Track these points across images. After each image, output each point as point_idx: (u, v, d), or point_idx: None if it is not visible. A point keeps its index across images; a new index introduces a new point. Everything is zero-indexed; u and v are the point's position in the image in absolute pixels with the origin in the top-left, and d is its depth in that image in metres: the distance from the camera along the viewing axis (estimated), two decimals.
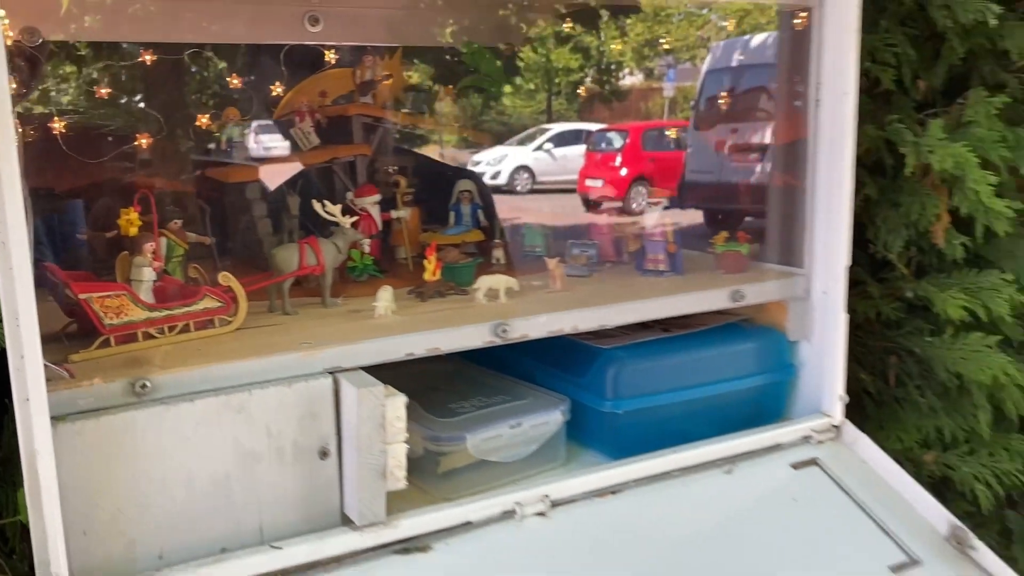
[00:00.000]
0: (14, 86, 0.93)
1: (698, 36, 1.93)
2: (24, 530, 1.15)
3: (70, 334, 1.19)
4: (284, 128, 1.66)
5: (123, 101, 1.64)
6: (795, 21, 1.46)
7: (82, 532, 1.00)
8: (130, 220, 1.22)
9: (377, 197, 1.55)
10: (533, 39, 1.96)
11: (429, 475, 1.31)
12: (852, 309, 1.88)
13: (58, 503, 0.94)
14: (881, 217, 1.78)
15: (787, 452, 1.43)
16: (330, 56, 1.66)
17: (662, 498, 1.31)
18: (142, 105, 1.65)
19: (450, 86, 1.88)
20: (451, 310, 1.36)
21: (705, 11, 1.90)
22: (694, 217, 1.96)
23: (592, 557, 1.21)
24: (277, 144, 1.68)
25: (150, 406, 1.04)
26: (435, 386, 1.46)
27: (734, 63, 2.09)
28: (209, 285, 1.26)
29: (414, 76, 1.85)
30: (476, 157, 2.12)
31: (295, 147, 1.62)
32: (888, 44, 1.72)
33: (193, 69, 1.71)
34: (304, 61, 1.66)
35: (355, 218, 1.44)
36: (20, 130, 1.21)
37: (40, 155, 1.37)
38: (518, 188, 2.25)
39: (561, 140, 2.27)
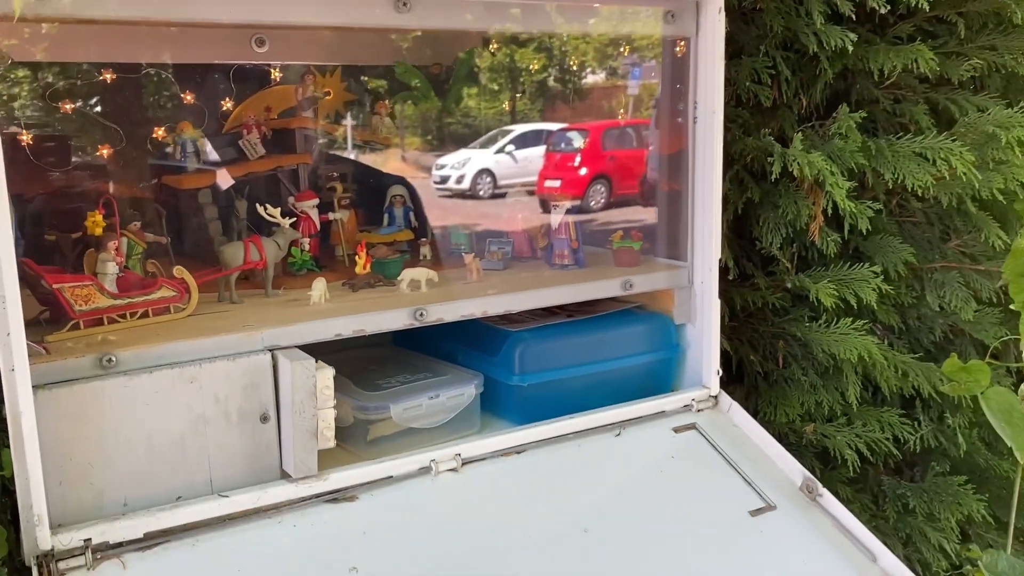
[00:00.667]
0: None
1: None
2: (5, 487, 1.34)
3: (43, 320, 1.38)
4: (233, 139, 1.84)
5: (85, 115, 1.81)
6: (676, 49, 1.70)
7: (58, 482, 1.19)
8: (95, 221, 1.41)
9: (315, 201, 1.74)
10: (462, 58, 2.14)
11: (360, 442, 1.52)
12: (744, 299, 2.14)
13: (39, 457, 1.14)
14: (763, 218, 2.04)
15: (670, 418, 1.67)
16: (275, 74, 1.85)
17: (559, 456, 1.53)
18: (102, 119, 1.82)
19: (384, 101, 2.08)
20: (378, 298, 1.57)
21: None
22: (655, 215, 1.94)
23: (497, 507, 1.43)
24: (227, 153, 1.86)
25: (115, 377, 1.23)
26: (368, 367, 1.68)
27: None
28: (165, 278, 1.45)
29: (351, 93, 2.04)
30: (440, 161, 2.17)
31: (243, 156, 1.81)
32: (767, 67, 1.97)
33: (150, 86, 1.89)
34: (251, 79, 1.85)
35: (294, 219, 1.64)
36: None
37: (11, 163, 1.54)
38: (480, 193, 2.21)
39: (523, 142, 2.20)
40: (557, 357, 1.65)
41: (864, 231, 1.93)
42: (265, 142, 1.80)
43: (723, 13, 1.60)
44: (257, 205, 1.58)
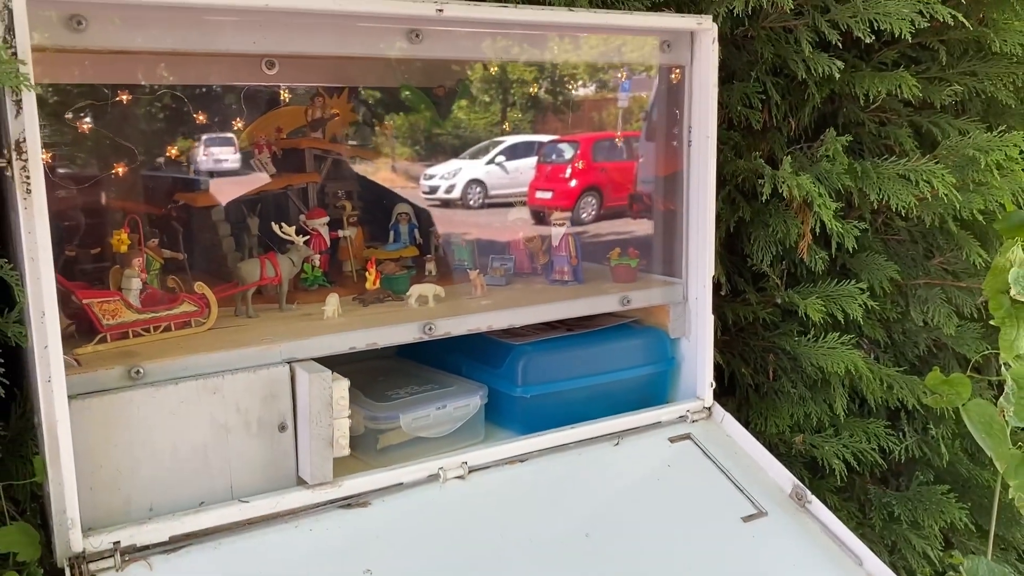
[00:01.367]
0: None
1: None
2: (33, 493, 1.40)
3: (69, 334, 1.44)
4: (245, 158, 1.91)
5: (101, 134, 1.87)
6: (671, 76, 1.78)
7: (89, 488, 1.26)
8: (121, 239, 1.47)
9: (326, 219, 1.81)
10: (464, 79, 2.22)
11: (370, 451, 1.59)
12: (736, 314, 2.22)
13: (72, 462, 1.20)
14: (754, 236, 2.12)
15: (666, 428, 1.74)
16: (285, 96, 1.93)
17: (560, 465, 1.60)
18: (119, 138, 1.89)
19: (389, 122, 2.15)
20: (388, 313, 1.64)
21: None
22: (647, 227, 1.99)
23: (502, 512, 1.50)
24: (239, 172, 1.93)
25: (143, 388, 1.30)
26: (377, 379, 1.74)
27: None
28: (185, 293, 1.52)
29: (357, 114, 2.11)
30: (430, 171, 2.19)
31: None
32: (758, 91, 2.06)
33: (167, 108, 1.96)
34: (262, 100, 1.93)
35: (307, 237, 1.72)
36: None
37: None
38: (471, 203, 2.22)
39: (514, 153, 2.22)
40: (558, 369, 1.73)
41: (851, 249, 2.01)
42: (276, 161, 1.87)
43: (716, 43, 1.69)
44: (272, 223, 1.65)
